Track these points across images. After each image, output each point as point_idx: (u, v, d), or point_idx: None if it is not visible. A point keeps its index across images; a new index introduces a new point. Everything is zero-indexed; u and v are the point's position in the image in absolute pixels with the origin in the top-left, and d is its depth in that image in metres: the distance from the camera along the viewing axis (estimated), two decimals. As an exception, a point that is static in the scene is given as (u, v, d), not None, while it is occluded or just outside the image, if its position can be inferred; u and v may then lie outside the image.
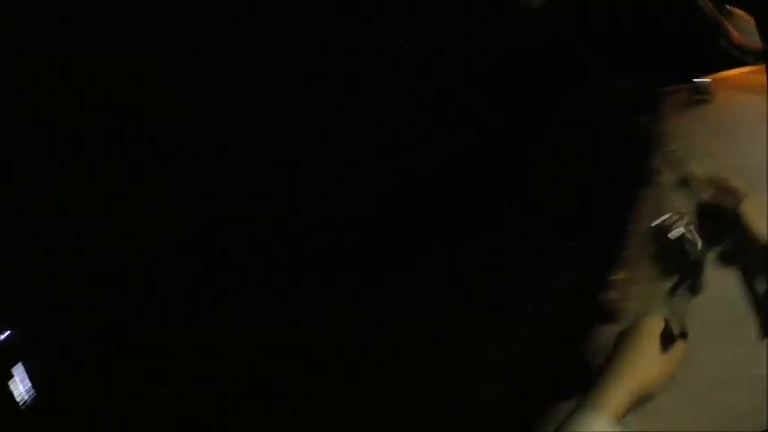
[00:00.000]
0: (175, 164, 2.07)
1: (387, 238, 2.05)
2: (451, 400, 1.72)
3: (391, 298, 1.90)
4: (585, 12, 1.85)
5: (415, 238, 2.03)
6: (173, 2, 1.97)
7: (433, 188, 2.05)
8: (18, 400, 1.78)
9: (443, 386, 1.76)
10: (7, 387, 1.78)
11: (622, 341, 0.45)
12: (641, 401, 0.45)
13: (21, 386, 1.80)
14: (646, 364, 0.46)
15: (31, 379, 1.83)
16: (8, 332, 1.87)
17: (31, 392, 1.82)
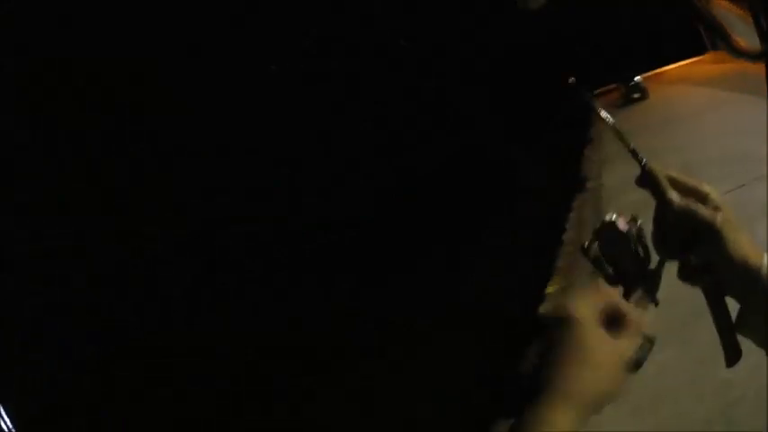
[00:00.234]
0: (175, 164, 2.07)
1: (386, 238, 2.05)
2: (451, 400, 1.72)
3: (391, 298, 1.90)
4: (585, 13, 1.85)
5: (415, 239, 2.03)
6: (173, 2, 1.96)
7: (433, 188, 2.05)
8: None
9: (443, 386, 1.75)
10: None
11: (562, 350, 0.40)
12: (589, 413, 0.42)
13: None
14: (591, 372, 0.41)
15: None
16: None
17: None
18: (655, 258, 0.42)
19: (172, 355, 1.96)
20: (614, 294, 0.44)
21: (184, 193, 2.06)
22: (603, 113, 0.43)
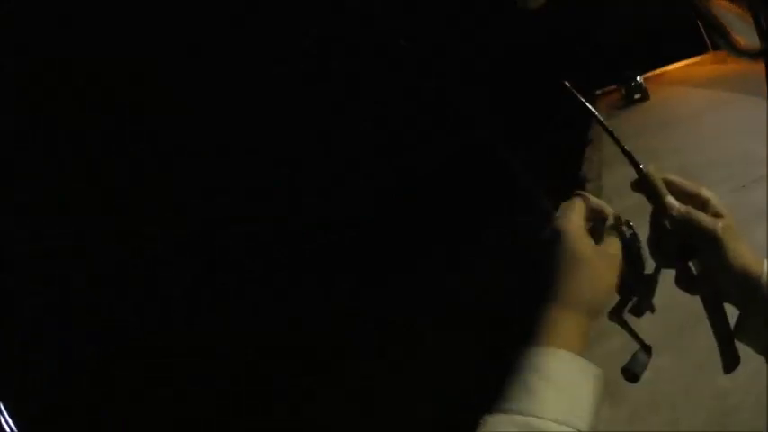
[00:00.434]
0: (175, 164, 2.07)
1: (386, 238, 2.05)
2: (451, 400, 1.72)
3: (391, 298, 1.90)
4: (583, 12, 1.86)
5: (415, 239, 2.03)
6: (173, 2, 1.97)
7: (433, 188, 2.05)
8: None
9: (442, 386, 1.75)
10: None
11: (560, 263, 0.42)
12: (593, 319, 0.43)
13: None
14: (587, 280, 0.43)
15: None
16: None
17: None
18: (651, 264, 0.42)
19: (172, 355, 1.96)
20: (595, 202, 0.46)
21: (184, 193, 2.06)
22: (599, 117, 0.43)
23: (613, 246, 0.44)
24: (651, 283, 0.43)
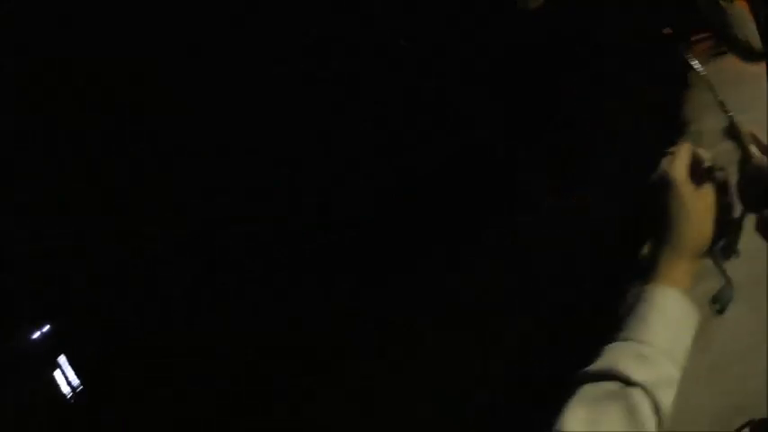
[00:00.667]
0: (175, 164, 2.07)
1: (387, 238, 2.05)
2: (451, 400, 1.72)
3: (391, 298, 1.90)
4: (584, 12, 1.85)
5: (415, 238, 2.02)
6: (173, 2, 1.97)
7: (433, 188, 2.05)
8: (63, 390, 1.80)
9: (442, 386, 1.75)
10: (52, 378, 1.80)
11: (666, 207, 0.47)
12: (697, 261, 0.48)
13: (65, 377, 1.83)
14: (690, 222, 0.48)
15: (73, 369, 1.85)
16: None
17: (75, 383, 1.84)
18: (738, 210, 0.44)
19: (172, 355, 1.96)
20: (695, 149, 0.50)
21: (184, 193, 2.06)
22: (696, 64, 0.45)
23: (710, 192, 0.49)
24: (738, 226, 0.46)
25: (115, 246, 2.03)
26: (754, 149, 0.43)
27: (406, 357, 1.85)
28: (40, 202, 1.95)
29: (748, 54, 0.89)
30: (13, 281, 1.95)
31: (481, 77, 2.14)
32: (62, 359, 1.92)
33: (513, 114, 2.00)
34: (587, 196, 1.70)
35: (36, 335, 1.92)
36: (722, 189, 0.47)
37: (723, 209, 0.46)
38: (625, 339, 0.50)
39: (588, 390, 0.47)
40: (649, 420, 0.45)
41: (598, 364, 0.49)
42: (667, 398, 0.47)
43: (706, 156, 0.49)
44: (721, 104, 0.40)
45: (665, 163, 0.48)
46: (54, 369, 1.91)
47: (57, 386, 1.90)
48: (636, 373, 0.46)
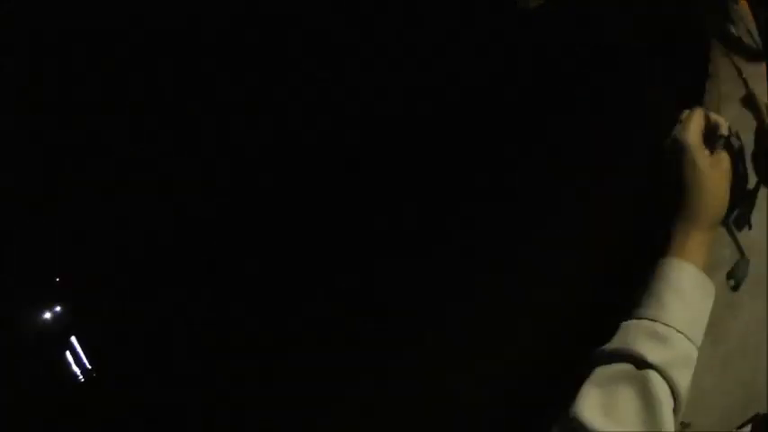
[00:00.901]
0: (175, 164, 2.07)
1: (387, 237, 2.05)
2: (451, 400, 1.72)
3: (391, 296, 1.90)
4: (584, 11, 1.85)
5: (416, 238, 2.03)
6: (173, 2, 1.97)
7: (437, 186, 2.05)
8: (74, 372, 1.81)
9: (442, 385, 1.75)
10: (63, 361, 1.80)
11: (681, 173, 0.44)
12: (713, 230, 0.45)
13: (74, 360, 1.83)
14: (704, 191, 0.45)
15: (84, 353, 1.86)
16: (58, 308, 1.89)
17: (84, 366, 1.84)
18: (752, 181, 0.44)
19: (172, 354, 1.96)
20: (711, 114, 0.49)
21: (184, 193, 2.05)
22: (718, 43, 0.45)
23: (725, 160, 0.47)
24: (752, 197, 0.45)
25: (115, 245, 2.03)
26: None
27: (406, 357, 1.85)
28: (40, 202, 1.95)
29: (750, 53, 0.89)
30: (13, 281, 1.95)
31: (481, 77, 2.15)
32: (73, 340, 1.92)
33: (513, 114, 2.01)
34: (593, 195, 1.70)
35: (47, 315, 1.93)
36: (737, 158, 0.45)
37: (737, 178, 0.45)
38: (639, 317, 0.48)
39: (602, 372, 0.46)
40: (666, 404, 0.44)
41: (612, 344, 0.47)
42: (684, 378, 0.45)
43: (721, 121, 0.47)
44: (739, 72, 0.40)
45: (677, 129, 0.46)
46: (65, 350, 1.92)
47: (68, 367, 1.91)
48: (651, 353, 0.45)
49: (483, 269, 1.89)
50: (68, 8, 1.75)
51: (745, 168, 0.46)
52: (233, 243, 1.88)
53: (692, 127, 0.49)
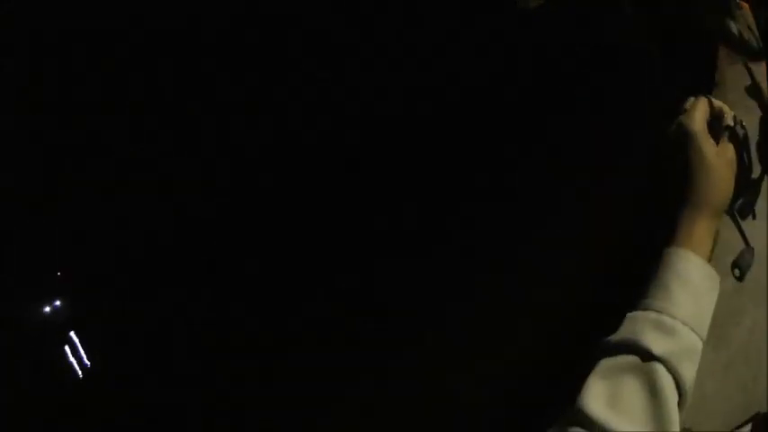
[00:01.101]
0: (175, 164, 2.07)
1: (387, 237, 2.05)
2: (451, 400, 1.72)
3: (391, 296, 1.90)
4: (584, 11, 1.85)
5: (416, 238, 2.02)
6: (173, 2, 1.97)
7: (437, 186, 2.05)
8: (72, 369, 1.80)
9: (442, 385, 1.75)
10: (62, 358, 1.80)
11: (686, 161, 0.43)
12: (719, 217, 0.44)
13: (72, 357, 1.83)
14: (710, 177, 0.45)
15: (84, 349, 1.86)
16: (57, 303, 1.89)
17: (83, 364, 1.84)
18: (757, 171, 0.43)
19: (172, 354, 1.96)
20: (716, 102, 0.48)
21: (184, 193, 2.05)
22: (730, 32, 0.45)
23: (730, 149, 0.47)
24: (757, 187, 0.45)
25: (115, 245, 2.03)
26: None
27: (407, 357, 1.85)
28: (40, 202, 1.95)
29: (751, 53, 0.89)
30: (13, 281, 1.95)
31: (481, 77, 2.15)
32: (73, 339, 1.92)
33: (513, 114, 2.01)
34: (593, 195, 1.71)
35: (47, 315, 1.92)
36: (742, 147, 0.45)
37: (742, 168, 0.45)
38: (645, 308, 0.48)
39: (607, 363, 0.46)
40: (671, 397, 0.43)
41: (618, 335, 0.47)
42: (689, 370, 0.45)
43: (726, 110, 0.46)
44: (745, 63, 0.40)
45: (682, 116, 0.45)
46: (65, 349, 1.91)
47: (68, 366, 1.91)
48: (656, 345, 0.44)
49: (483, 269, 1.89)
50: (68, 8, 1.75)
51: (750, 158, 0.46)
52: (233, 243, 1.88)
53: (697, 115, 0.49)
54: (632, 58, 1.77)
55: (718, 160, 0.46)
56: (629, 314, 0.49)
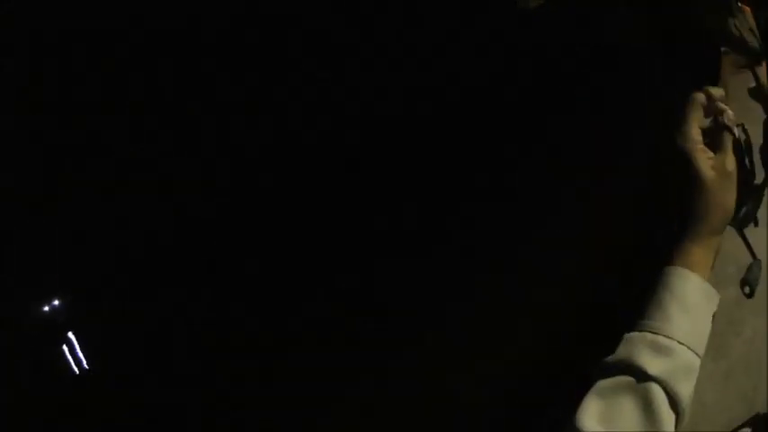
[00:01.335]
0: (175, 164, 2.07)
1: (387, 237, 2.05)
2: (451, 400, 1.72)
3: (391, 296, 1.90)
4: (584, 11, 1.85)
5: (416, 238, 2.02)
6: (173, 2, 1.97)
7: (437, 186, 2.05)
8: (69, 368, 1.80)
9: (442, 385, 1.75)
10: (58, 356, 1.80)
11: (682, 179, 0.42)
12: (720, 232, 0.43)
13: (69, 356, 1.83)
14: (708, 194, 0.43)
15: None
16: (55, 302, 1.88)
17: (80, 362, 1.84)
18: (760, 176, 0.42)
19: (172, 354, 1.96)
20: (717, 95, 0.46)
21: (184, 193, 2.05)
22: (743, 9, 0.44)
23: (730, 157, 0.45)
24: (760, 193, 0.43)
25: (114, 245, 2.03)
26: None
27: (407, 357, 1.85)
28: (40, 202, 1.95)
29: (751, 53, 0.89)
30: (13, 281, 1.95)
31: (481, 77, 2.15)
32: (73, 339, 1.92)
33: (513, 114, 2.01)
34: (593, 195, 1.71)
35: (47, 315, 1.92)
36: (744, 152, 0.43)
37: (744, 174, 0.43)
38: (642, 329, 0.48)
39: (604, 384, 0.46)
40: (666, 416, 0.43)
41: (615, 356, 0.47)
42: (686, 388, 0.45)
43: (724, 107, 0.44)
44: (751, 66, 0.39)
45: (675, 131, 0.44)
46: (65, 349, 1.91)
47: (67, 366, 1.91)
48: (652, 365, 0.44)
49: (483, 269, 1.89)
50: (68, 8, 1.74)
51: (753, 163, 0.44)
52: (233, 243, 1.87)
53: (689, 129, 0.47)
54: (632, 58, 1.77)
55: (716, 176, 0.45)
56: (626, 335, 0.49)
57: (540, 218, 1.81)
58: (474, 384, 1.68)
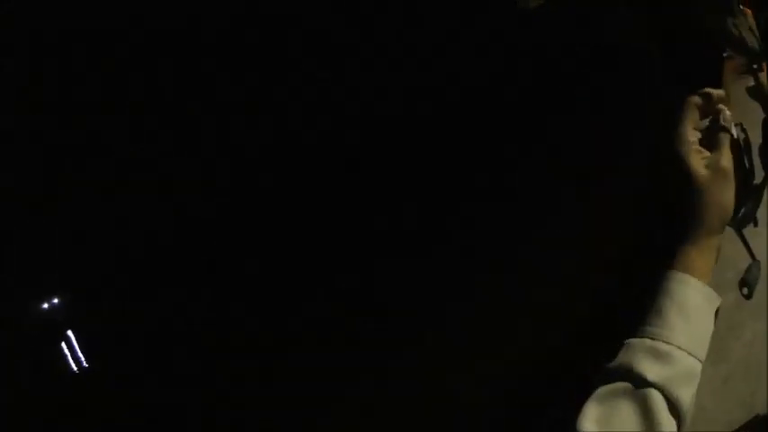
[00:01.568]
0: (175, 164, 2.07)
1: (387, 237, 2.05)
2: (451, 400, 1.72)
3: (391, 296, 1.90)
4: (584, 11, 1.85)
5: (416, 238, 2.02)
6: (173, 2, 1.97)
7: (437, 186, 2.05)
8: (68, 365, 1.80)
9: (442, 385, 1.75)
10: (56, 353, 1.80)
11: (679, 182, 0.42)
12: (721, 232, 0.43)
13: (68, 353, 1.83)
14: (706, 198, 0.43)
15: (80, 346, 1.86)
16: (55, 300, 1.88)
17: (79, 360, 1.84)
18: (759, 176, 0.42)
19: (172, 354, 1.96)
20: (716, 96, 0.45)
21: (184, 193, 2.05)
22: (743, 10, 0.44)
23: (725, 158, 0.44)
24: (759, 193, 0.43)
25: (114, 245, 2.03)
26: None
27: (407, 357, 1.85)
28: (40, 202, 1.95)
29: (751, 54, 0.89)
30: (13, 281, 1.95)
31: (481, 77, 2.15)
32: (73, 339, 1.92)
33: (513, 114, 2.00)
34: (593, 195, 1.71)
35: (47, 315, 1.92)
36: (742, 151, 0.43)
37: (743, 173, 0.42)
38: (641, 335, 0.47)
39: (604, 390, 0.45)
40: (666, 422, 0.43)
41: (615, 363, 0.47)
42: (687, 393, 0.44)
43: (722, 107, 0.43)
44: (750, 65, 0.39)
45: (672, 132, 0.43)
46: (65, 349, 1.91)
47: (67, 366, 1.91)
48: (651, 371, 0.44)
49: (483, 269, 1.89)
50: (68, 8, 1.74)
51: (752, 162, 0.44)
52: (233, 243, 1.87)
53: (684, 132, 0.46)
54: (632, 58, 1.77)
55: (710, 174, 0.44)
56: (626, 341, 0.48)
57: (540, 218, 1.81)
58: (474, 384, 1.68)
